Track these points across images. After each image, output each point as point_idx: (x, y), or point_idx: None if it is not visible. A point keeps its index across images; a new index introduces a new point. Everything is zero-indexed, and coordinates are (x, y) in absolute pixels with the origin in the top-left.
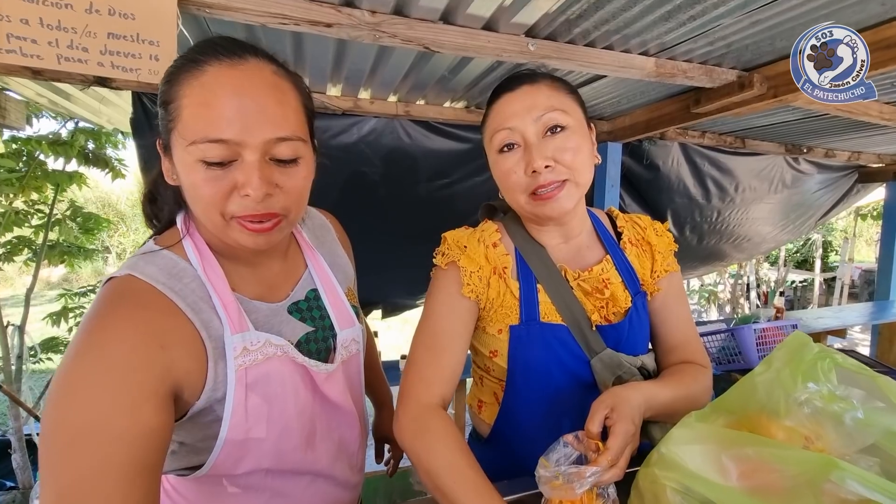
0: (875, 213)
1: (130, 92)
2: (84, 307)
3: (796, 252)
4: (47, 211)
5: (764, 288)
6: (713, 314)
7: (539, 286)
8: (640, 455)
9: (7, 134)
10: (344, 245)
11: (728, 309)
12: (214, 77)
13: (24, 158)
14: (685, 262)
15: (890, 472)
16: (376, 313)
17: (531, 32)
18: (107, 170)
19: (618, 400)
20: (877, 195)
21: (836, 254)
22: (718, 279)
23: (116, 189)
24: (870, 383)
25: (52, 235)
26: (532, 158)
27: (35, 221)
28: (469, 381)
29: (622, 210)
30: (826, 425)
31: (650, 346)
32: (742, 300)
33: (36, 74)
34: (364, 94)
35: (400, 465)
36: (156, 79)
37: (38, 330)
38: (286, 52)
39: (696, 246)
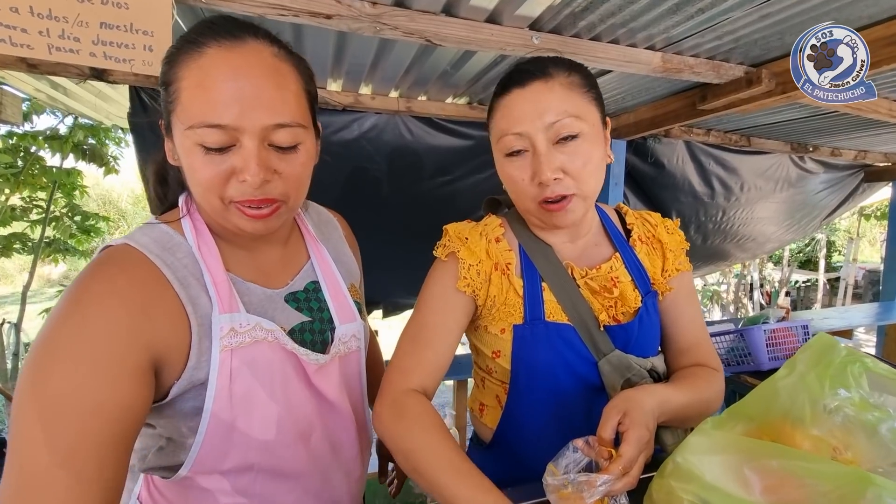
0: (879, 214)
1: (128, 87)
2: None
3: (800, 252)
4: (44, 207)
5: (767, 288)
6: (716, 314)
7: (544, 284)
8: (652, 462)
9: (4, 129)
10: (351, 245)
11: (731, 309)
12: (212, 60)
13: (22, 154)
14: (689, 260)
15: None
16: (377, 312)
17: (535, 25)
18: (101, 166)
19: (631, 404)
20: (880, 195)
21: (840, 254)
22: (722, 279)
23: (117, 186)
24: None
25: (49, 232)
26: (541, 170)
27: (33, 216)
28: (470, 381)
29: None
30: (858, 435)
31: (659, 348)
32: (745, 300)
33: (31, 68)
34: (365, 90)
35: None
36: (150, 70)
37: (35, 327)
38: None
39: (701, 245)
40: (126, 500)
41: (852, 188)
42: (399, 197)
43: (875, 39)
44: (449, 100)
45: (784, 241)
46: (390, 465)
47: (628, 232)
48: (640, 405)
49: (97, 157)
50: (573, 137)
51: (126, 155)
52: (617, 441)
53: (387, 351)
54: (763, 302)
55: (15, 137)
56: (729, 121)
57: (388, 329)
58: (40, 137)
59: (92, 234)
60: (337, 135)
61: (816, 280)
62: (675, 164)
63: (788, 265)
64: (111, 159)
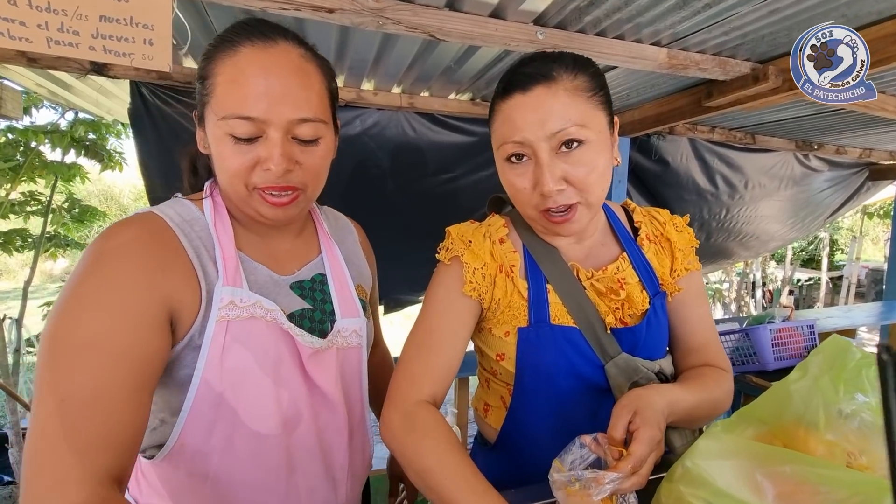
0: (882, 212)
1: (129, 81)
2: None
3: (802, 250)
4: (44, 202)
5: (770, 286)
6: (718, 312)
7: (549, 286)
8: (661, 463)
9: (3, 124)
10: (366, 251)
11: (733, 307)
12: (246, 58)
13: (22, 149)
14: None
15: None
16: (379, 309)
17: (540, 20)
18: (101, 161)
19: (641, 404)
20: (885, 193)
21: (843, 252)
22: (724, 277)
23: (119, 182)
24: None
25: (49, 227)
26: (543, 181)
27: (30, 210)
28: (473, 378)
29: None
30: (875, 441)
31: (667, 349)
32: (748, 298)
33: (31, 62)
34: (367, 86)
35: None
36: (150, 64)
37: (37, 323)
38: None
39: (704, 243)
40: None
41: (857, 186)
42: (401, 193)
43: (884, 36)
44: (452, 96)
45: (788, 239)
46: (401, 485)
47: (636, 230)
48: (650, 404)
49: (97, 153)
50: (577, 146)
51: (127, 150)
52: (626, 441)
53: (390, 348)
54: (764, 301)
55: (14, 132)
56: (734, 118)
57: (390, 325)
58: (41, 133)
59: (85, 221)
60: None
61: (819, 279)
62: (680, 161)
63: (791, 264)
64: (116, 155)
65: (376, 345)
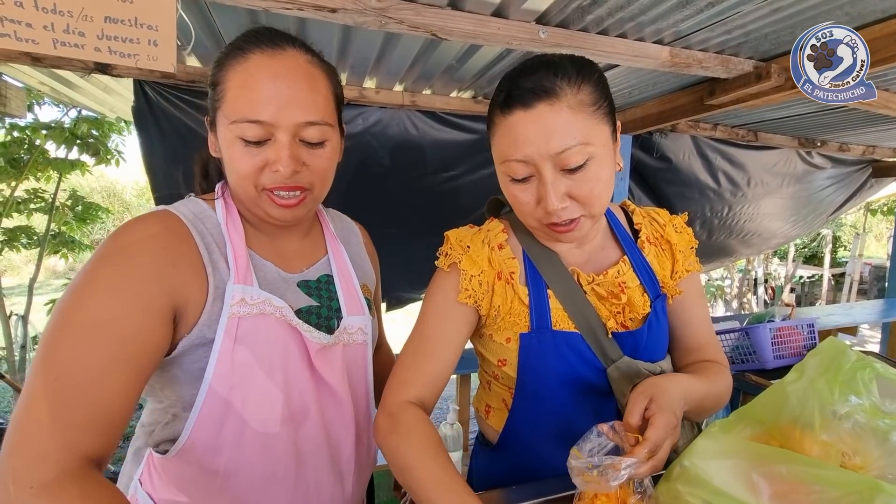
0: (885, 209)
1: (132, 80)
2: None
3: (805, 247)
4: (48, 199)
5: (772, 283)
6: (720, 309)
7: (549, 291)
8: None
9: (7, 122)
10: (369, 252)
11: (735, 304)
12: (255, 64)
13: (26, 146)
14: None
15: None
16: (381, 306)
17: (542, 19)
18: (101, 159)
19: (657, 390)
20: (888, 190)
21: (846, 249)
22: (726, 274)
23: (122, 178)
24: None
25: (53, 225)
26: (548, 199)
27: (32, 207)
28: (475, 375)
29: None
30: (868, 442)
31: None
32: (749, 295)
33: (35, 61)
34: (370, 84)
35: None
36: (154, 64)
37: (42, 320)
38: None
39: (706, 241)
40: (128, 483)
41: (860, 183)
42: (403, 191)
43: (887, 34)
44: (454, 94)
45: (790, 236)
46: None
47: (636, 232)
48: (666, 391)
49: (93, 148)
50: (581, 166)
51: (129, 147)
52: (643, 428)
53: (393, 346)
54: (767, 298)
55: (17, 130)
56: (736, 116)
57: (392, 322)
58: (43, 131)
59: (88, 221)
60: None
61: (821, 276)
62: (682, 158)
63: (793, 261)
64: (115, 153)
65: (380, 346)
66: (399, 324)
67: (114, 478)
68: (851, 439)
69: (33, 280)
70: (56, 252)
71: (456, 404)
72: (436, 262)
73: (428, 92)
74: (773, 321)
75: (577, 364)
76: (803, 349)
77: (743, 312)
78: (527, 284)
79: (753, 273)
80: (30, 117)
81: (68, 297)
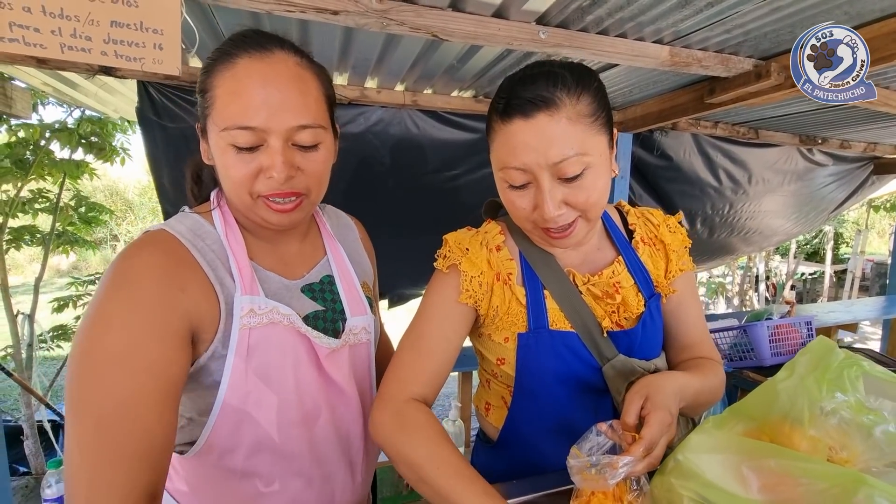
0: (888, 205)
1: (136, 81)
2: (92, 294)
3: (807, 244)
4: (53, 199)
5: (773, 280)
6: (721, 306)
7: (546, 292)
8: None
9: (13, 122)
10: (366, 247)
11: (736, 301)
12: (244, 69)
13: (31, 147)
14: (695, 255)
15: None
16: (383, 303)
17: (542, 20)
18: (106, 159)
19: (652, 389)
20: (890, 187)
21: (848, 246)
22: (727, 271)
23: (124, 178)
24: None
25: (53, 223)
26: (545, 207)
27: (37, 206)
28: (476, 373)
29: (632, 203)
30: (854, 437)
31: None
32: (751, 292)
33: (41, 63)
34: (371, 84)
35: None
36: (160, 68)
37: (47, 318)
38: (292, 40)
39: (707, 239)
40: None
41: (861, 180)
42: (405, 190)
43: (887, 33)
44: (455, 93)
45: (791, 233)
46: None
47: (630, 233)
48: (661, 389)
49: (97, 147)
50: (578, 175)
51: (132, 147)
52: (639, 427)
53: (394, 342)
54: (768, 295)
55: (22, 130)
56: (737, 113)
57: (393, 320)
58: (48, 132)
59: (93, 224)
60: (343, 129)
61: (823, 272)
62: (683, 156)
63: (795, 257)
64: (121, 151)
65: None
66: (401, 321)
67: None
68: (838, 434)
69: (39, 279)
70: (57, 248)
71: (458, 401)
72: (434, 265)
73: (429, 91)
74: (770, 319)
75: (574, 363)
76: (801, 347)
77: (744, 310)
78: (524, 285)
79: (755, 270)
80: (34, 118)
81: (83, 336)
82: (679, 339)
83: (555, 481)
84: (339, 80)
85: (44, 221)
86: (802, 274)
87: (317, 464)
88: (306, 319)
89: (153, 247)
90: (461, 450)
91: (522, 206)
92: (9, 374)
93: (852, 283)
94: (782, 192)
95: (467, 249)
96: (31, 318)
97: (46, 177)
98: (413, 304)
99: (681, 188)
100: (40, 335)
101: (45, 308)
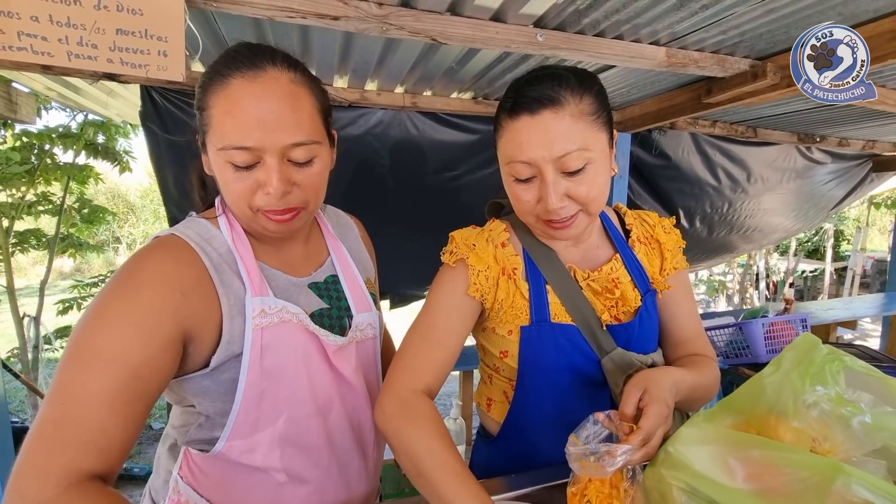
0: (889, 202)
1: (139, 86)
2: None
3: (807, 241)
4: (57, 202)
5: (773, 278)
6: (721, 305)
7: (548, 287)
8: None
9: (17, 128)
10: (366, 244)
11: (736, 299)
12: (237, 90)
13: (36, 151)
14: (694, 253)
15: None
16: (384, 304)
17: (540, 23)
18: (115, 163)
19: (650, 382)
20: (890, 184)
21: (849, 243)
22: (727, 269)
23: (126, 180)
24: (880, 385)
25: (57, 227)
26: (548, 199)
27: (41, 209)
28: (477, 372)
29: (632, 202)
30: (834, 428)
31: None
32: (751, 290)
33: (46, 69)
34: (371, 86)
35: None
36: (164, 74)
37: (52, 320)
38: (293, 44)
39: (707, 237)
40: (167, 477)
41: (860, 178)
42: (405, 191)
43: (881, 33)
44: (454, 95)
45: (791, 231)
46: None
47: (627, 232)
48: (658, 383)
49: (109, 154)
50: (580, 169)
51: (136, 151)
52: (636, 418)
53: (397, 342)
54: (768, 293)
55: (29, 136)
56: (735, 112)
57: (395, 320)
58: (54, 136)
59: (94, 223)
60: (343, 131)
61: (823, 270)
62: (681, 155)
63: (795, 255)
64: (124, 155)
65: None
66: (402, 321)
67: (125, 474)
68: (819, 426)
69: (44, 282)
70: (64, 252)
71: (459, 400)
72: (441, 258)
73: (428, 93)
74: (766, 316)
75: (574, 355)
76: None
77: (744, 307)
78: (527, 280)
79: (755, 268)
80: (39, 123)
81: (81, 328)
82: (674, 334)
83: (553, 475)
84: (340, 82)
85: (46, 224)
86: (803, 272)
87: (333, 453)
88: (313, 317)
89: (162, 251)
90: (462, 448)
91: (527, 200)
92: (16, 376)
93: (853, 281)
94: (781, 190)
95: (474, 245)
96: (36, 320)
97: (53, 181)
98: (414, 305)
99: (680, 187)
100: (45, 336)
101: (50, 310)
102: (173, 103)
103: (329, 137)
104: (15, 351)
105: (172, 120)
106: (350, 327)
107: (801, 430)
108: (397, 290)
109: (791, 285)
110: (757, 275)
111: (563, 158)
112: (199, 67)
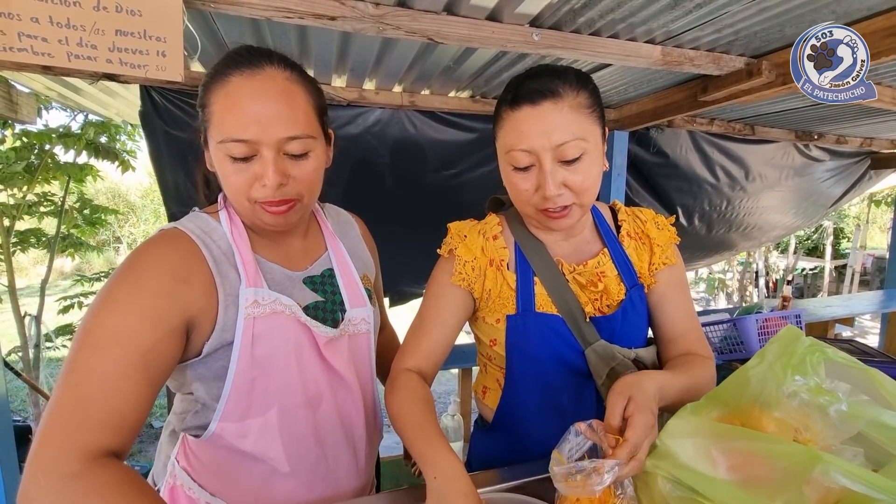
0: (889, 199)
1: (139, 85)
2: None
3: (807, 239)
4: (58, 202)
5: (773, 276)
6: (721, 302)
7: (536, 278)
8: None
9: (17, 128)
10: (367, 242)
11: (736, 297)
12: (236, 86)
13: (36, 151)
14: (693, 251)
15: (875, 458)
16: (384, 301)
17: (536, 22)
18: (116, 162)
19: (634, 390)
20: (888, 181)
21: (848, 241)
22: (727, 267)
23: (126, 180)
24: (860, 375)
25: (61, 227)
26: (546, 186)
27: (41, 210)
28: (475, 369)
29: (630, 200)
30: (813, 417)
31: (653, 339)
32: (751, 288)
33: (46, 70)
34: (369, 85)
35: None
36: (163, 74)
37: (52, 319)
38: (291, 45)
39: (706, 235)
40: (165, 460)
41: (859, 175)
42: (404, 190)
43: (875, 31)
44: (452, 93)
45: (790, 228)
46: None
47: (619, 228)
48: (643, 390)
49: (111, 153)
50: (577, 158)
51: (138, 150)
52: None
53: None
54: (767, 291)
55: (30, 136)
56: (732, 110)
57: (396, 318)
58: (54, 136)
59: (97, 225)
60: (342, 130)
61: (823, 267)
62: (679, 153)
63: (794, 253)
64: (126, 154)
65: (383, 327)
66: (402, 318)
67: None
68: (800, 416)
69: (45, 281)
70: (63, 251)
71: (457, 397)
72: (438, 251)
73: (426, 92)
74: (760, 312)
75: (559, 345)
76: None
77: (744, 305)
78: (515, 271)
79: (755, 266)
80: (39, 123)
81: (89, 315)
82: (665, 329)
83: (545, 467)
84: (338, 81)
85: (48, 224)
86: (803, 269)
87: (322, 447)
88: (306, 310)
89: (165, 242)
90: (460, 444)
91: (525, 188)
92: (17, 374)
93: (852, 278)
94: (780, 187)
95: (465, 236)
96: (37, 319)
97: (52, 180)
98: (413, 303)
99: (678, 185)
100: (46, 335)
101: (51, 309)
102: (173, 103)
103: (325, 135)
104: (17, 350)
105: (172, 119)
106: (343, 321)
107: (783, 421)
108: (397, 287)
109: (790, 283)
110: (756, 273)
111: (561, 147)
112: (197, 67)
